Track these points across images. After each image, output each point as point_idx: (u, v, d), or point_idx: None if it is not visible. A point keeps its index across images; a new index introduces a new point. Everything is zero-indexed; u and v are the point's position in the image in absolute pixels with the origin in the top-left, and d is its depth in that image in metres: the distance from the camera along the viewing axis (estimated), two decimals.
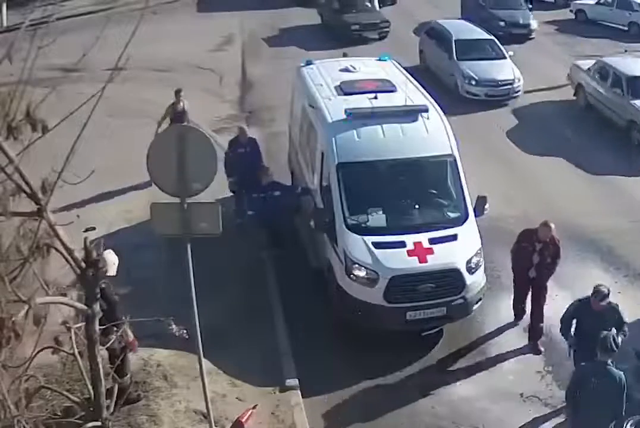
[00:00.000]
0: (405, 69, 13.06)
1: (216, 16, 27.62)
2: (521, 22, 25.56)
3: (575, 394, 7.64)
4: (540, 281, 10.06)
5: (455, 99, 18.99)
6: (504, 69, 20.05)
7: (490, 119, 18.71)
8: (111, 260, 7.55)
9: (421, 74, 17.65)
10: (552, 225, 9.79)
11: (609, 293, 8.46)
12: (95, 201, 12.65)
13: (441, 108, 11.29)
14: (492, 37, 21.39)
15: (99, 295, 4.34)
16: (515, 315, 10.73)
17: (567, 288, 10.95)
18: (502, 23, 25.27)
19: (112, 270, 7.46)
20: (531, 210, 13.74)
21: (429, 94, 11.88)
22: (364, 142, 10.56)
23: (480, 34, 21.72)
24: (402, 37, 25.35)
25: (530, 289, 10.28)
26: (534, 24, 25.75)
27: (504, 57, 20.65)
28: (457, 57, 20.43)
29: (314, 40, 24.66)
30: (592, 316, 8.46)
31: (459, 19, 25.20)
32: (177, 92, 14.55)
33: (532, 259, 9.89)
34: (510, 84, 19.71)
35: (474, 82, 19.76)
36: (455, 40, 20.91)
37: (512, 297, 10.64)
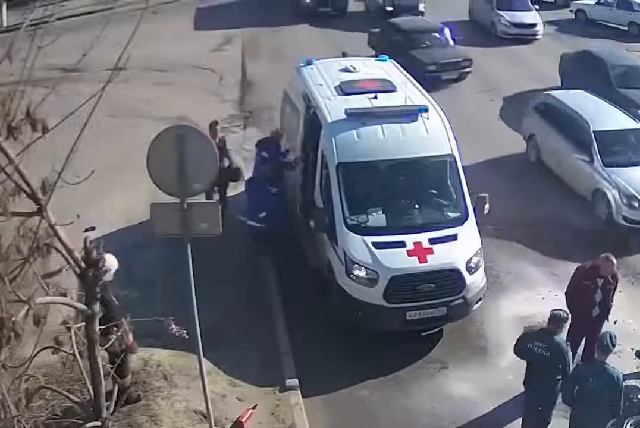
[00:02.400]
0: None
1: (216, 19, 27.34)
2: None
3: (573, 394, 7.66)
4: (601, 319, 9.34)
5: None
6: None
7: None
8: (111, 264, 7.47)
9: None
10: (614, 260, 9.21)
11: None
12: (95, 201, 12.62)
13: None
14: (638, 125, 14.49)
15: (98, 295, 4.34)
16: None
17: None
18: None
19: (109, 275, 7.38)
20: (530, 211, 13.75)
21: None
22: (364, 142, 10.56)
23: (625, 119, 14.61)
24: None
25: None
26: None
27: None
28: (603, 162, 13.64)
29: None
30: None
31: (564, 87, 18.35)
32: (212, 125, 12.45)
33: (595, 297, 9.17)
34: None
35: (636, 204, 13.01)
36: (594, 133, 13.89)
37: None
